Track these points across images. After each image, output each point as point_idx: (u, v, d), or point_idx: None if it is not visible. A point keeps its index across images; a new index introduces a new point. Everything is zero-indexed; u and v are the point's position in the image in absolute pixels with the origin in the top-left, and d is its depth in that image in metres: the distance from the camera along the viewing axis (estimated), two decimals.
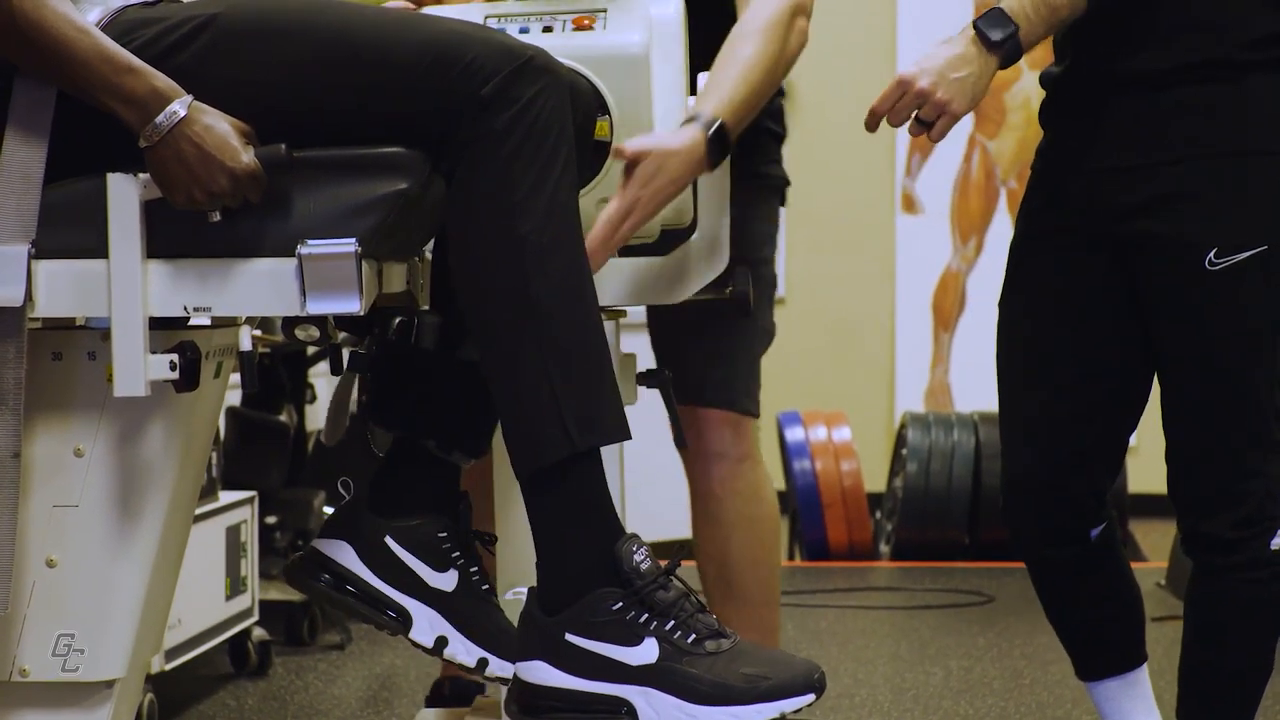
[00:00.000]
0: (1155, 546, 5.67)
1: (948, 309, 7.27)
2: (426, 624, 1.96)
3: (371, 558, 1.95)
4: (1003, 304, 2.51)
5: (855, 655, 4.07)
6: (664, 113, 2.22)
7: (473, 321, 1.88)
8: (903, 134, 7.36)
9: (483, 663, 1.99)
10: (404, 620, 1.97)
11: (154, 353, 1.85)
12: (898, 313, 7.31)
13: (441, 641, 1.99)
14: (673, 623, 1.83)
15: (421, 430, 2.01)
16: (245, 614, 3.67)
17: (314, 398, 4.47)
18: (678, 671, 1.82)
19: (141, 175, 1.83)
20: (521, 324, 1.83)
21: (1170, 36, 2.32)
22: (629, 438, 1.87)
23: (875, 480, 6.20)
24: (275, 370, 4.17)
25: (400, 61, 1.84)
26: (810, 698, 1.82)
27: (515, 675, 1.89)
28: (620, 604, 1.83)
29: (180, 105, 1.80)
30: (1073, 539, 2.49)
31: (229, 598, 3.58)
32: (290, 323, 2.05)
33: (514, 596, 1.96)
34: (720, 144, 2.14)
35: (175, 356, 1.85)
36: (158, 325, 1.87)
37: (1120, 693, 2.54)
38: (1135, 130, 2.35)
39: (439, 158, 1.87)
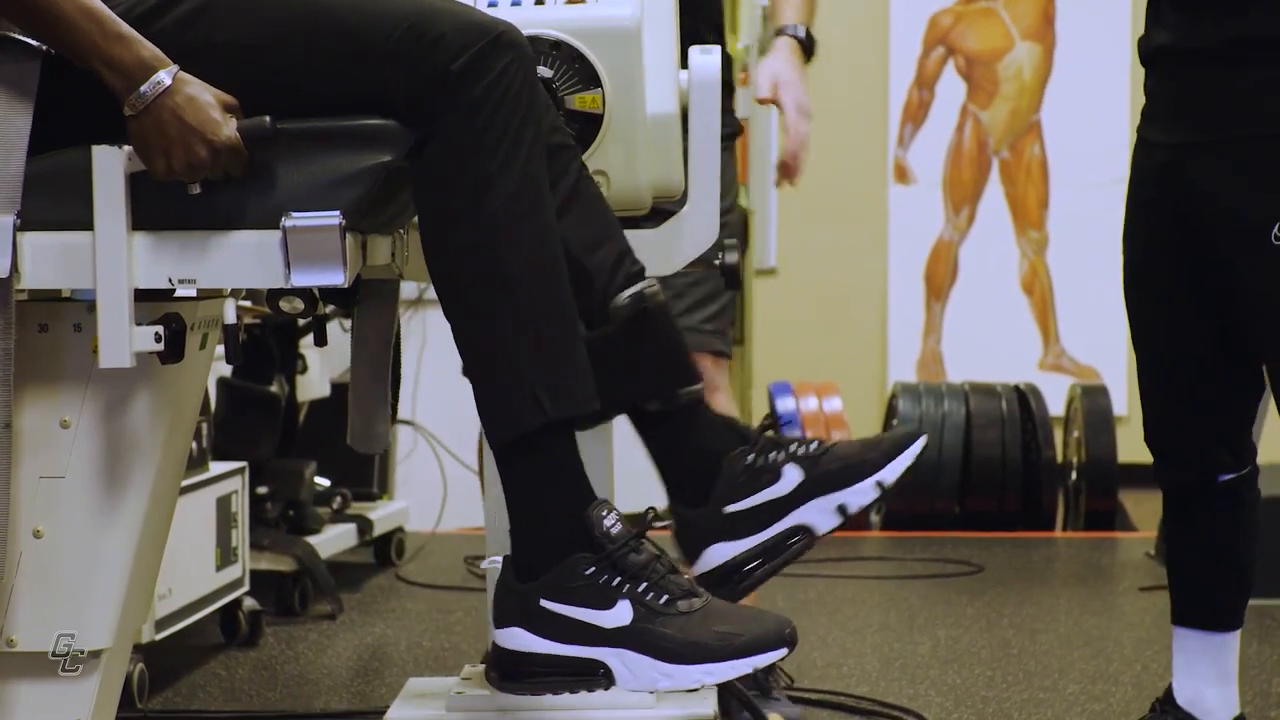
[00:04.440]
0: (1145, 517, 5.69)
1: (940, 279, 7.27)
2: (821, 513, 1.97)
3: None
4: (1124, 239, 2.59)
5: (844, 625, 4.09)
6: (656, 85, 2.22)
7: (443, 293, 1.89)
8: (895, 103, 7.37)
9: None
10: (806, 530, 1.98)
11: (139, 325, 1.85)
12: (890, 283, 7.31)
13: (843, 509, 2.01)
14: (645, 585, 1.86)
15: (640, 398, 2.01)
16: (236, 584, 3.68)
17: (305, 368, 4.47)
18: (651, 632, 1.85)
19: (126, 147, 1.83)
20: (493, 296, 1.85)
21: (1247, 11, 2.36)
22: (598, 408, 1.90)
23: None
24: (266, 340, 4.17)
25: (373, 34, 1.84)
26: (783, 652, 1.86)
27: (493, 642, 1.92)
28: (592, 568, 1.86)
29: (166, 75, 1.80)
30: (1197, 475, 2.55)
31: (219, 568, 3.58)
32: (275, 294, 2.06)
33: (490, 565, 1.97)
34: (810, 45, 3.03)
35: (160, 328, 1.86)
36: (143, 297, 1.87)
37: (1199, 649, 2.58)
38: (1211, 105, 2.40)
39: (413, 125, 1.87)
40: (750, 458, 1.97)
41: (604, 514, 1.88)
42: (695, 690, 2.42)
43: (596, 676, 1.87)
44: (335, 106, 1.86)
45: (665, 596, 1.86)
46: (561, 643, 1.88)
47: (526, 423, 1.85)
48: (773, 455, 1.99)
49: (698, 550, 1.97)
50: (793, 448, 2.00)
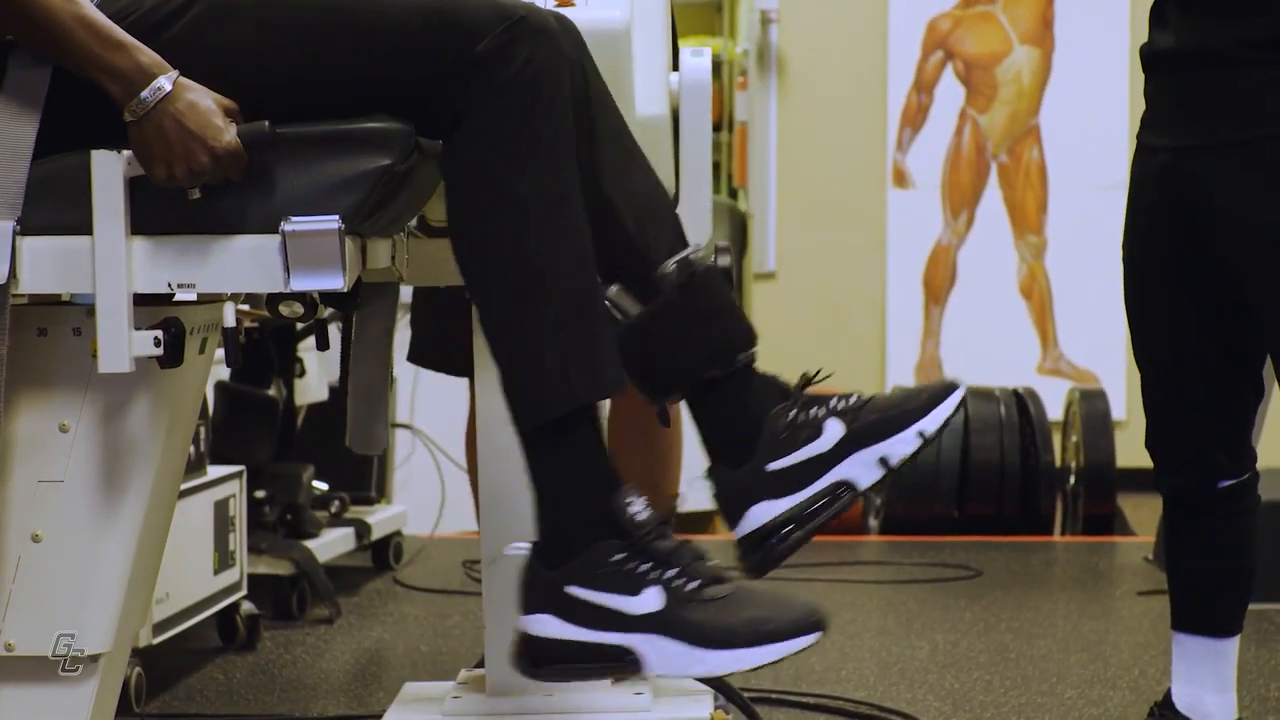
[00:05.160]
0: (1143, 521, 5.69)
1: (939, 283, 7.27)
2: (862, 467, 1.96)
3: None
4: (1124, 243, 2.58)
5: (842, 629, 4.09)
6: (646, 87, 2.22)
7: (471, 278, 1.88)
8: (894, 108, 7.37)
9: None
10: (849, 485, 1.96)
11: (138, 329, 1.85)
12: (888, 287, 7.31)
13: (884, 461, 2.00)
14: (674, 570, 1.85)
15: (702, 369, 1.99)
16: (233, 588, 3.68)
17: (303, 371, 4.46)
18: (681, 619, 1.84)
19: (126, 152, 1.83)
20: (522, 281, 1.84)
21: (1251, 12, 2.37)
22: (623, 392, 1.89)
23: None
24: (264, 344, 4.17)
25: (391, 26, 1.84)
26: (815, 637, 1.85)
27: (519, 630, 1.91)
28: (621, 555, 1.86)
29: (166, 81, 1.80)
30: (1197, 480, 2.55)
31: (217, 572, 3.58)
32: (274, 299, 2.06)
33: (514, 552, 1.97)
34: None
35: (159, 333, 1.86)
36: (142, 302, 1.87)
37: (1198, 654, 2.58)
38: (1213, 107, 2.40)
39: (431, 122, 1.87)
40: (792, 414, 1.96)
41: (630, 501, 1.87)
42: (693, 694, 2.44)
43: (624, 663, 1.86)
44: (355, 104, 1.86)
45: (695, 582, 1.85)
46: (590, 629, 1.86)
47: (556, 407, 1.84)
48: (814, 411, 1.97)
49: (741, 511, 1.95)
50: (833, 403, 1.99)
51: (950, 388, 1.99)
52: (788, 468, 1.95)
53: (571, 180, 1.87)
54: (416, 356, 3.12)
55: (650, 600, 1.85)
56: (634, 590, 1.85)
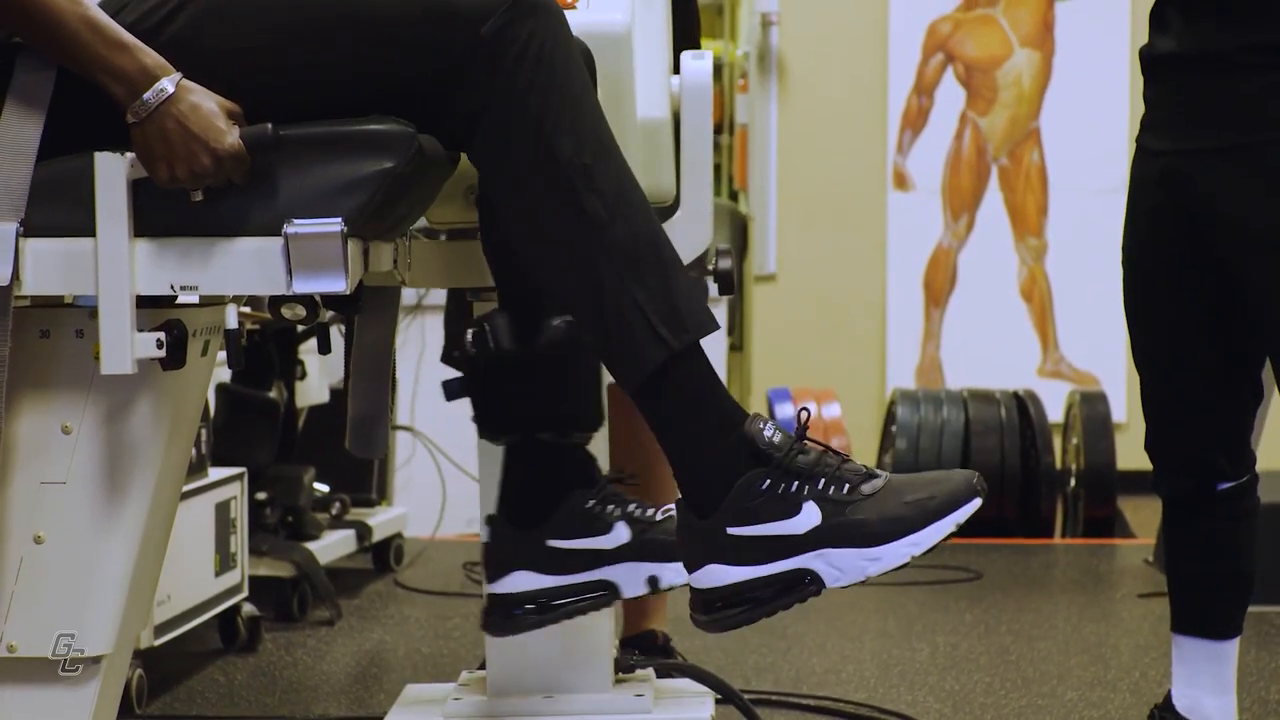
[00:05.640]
0: (1144, 523, 5.69)
1: (939, 286, 7.27)
2: (631, 577, 1.99)
3: (548, 566, 1.97)
4: (1124, 246, 2.58)
5: (843, 631, 4.09)
6: (647, 90, 2.22)
7: (537, 257, 1.88)
8: (895, 110, 7.38)
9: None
10: (611, 588, 2.00)
11: (141, 331, 1.85)
12: (889, 289, 7.31)
13: (653, 581, 2.06)
14: (824, 480, 1.85)
15: (537, 427, 2.06)
16: (235, 590, 3.68)
17: (304, 374, 4.47)
18: (845, 523, 1.83)
19: (129, 154, 1.83)
20: (586, 244, 1.84)
21: (1252, 17, 2.37)
22: (718, 327, 1.88)
23: (865, 457, 6.16)
24: (265, 346, 4.17)
25: (391, 17, 1.84)
26: (977, 502, 1.83)
27: (691, 587, 1.89)
28: (768, 481, 1.84)
29: (169, 83, 1.80)
30: (1197, 482, 2.55)
31: (218, 574, 3.58)
32: (277, 301, 2.06)
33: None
34: None
35: (162, 335, 1.86)
36: (145, 304, 1.87)
37: (1198, 656, 2.58)
38: (1215, 111, 2.41)
39: (444, 117, 1.87)
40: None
41: (762, 426, 1.86)
42: (694, 695, 2.44)
43: (805, 585, 1.85)
44: (354, 104, 1.86)
45: (847, 486, 1.85)
46: (762, 565, 1.85)
47: (652, 360, 1.83)
48: (609, 508, 2.06)
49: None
50: (630, 508, 2.08)
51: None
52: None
53: (607, 136, 1.87)
54: (449, 358, 3.14)
55: (811, 516, 1.84)
56: (792, 512, 1.84)
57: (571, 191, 1.83)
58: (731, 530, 1.84)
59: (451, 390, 2.09)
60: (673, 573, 2.05)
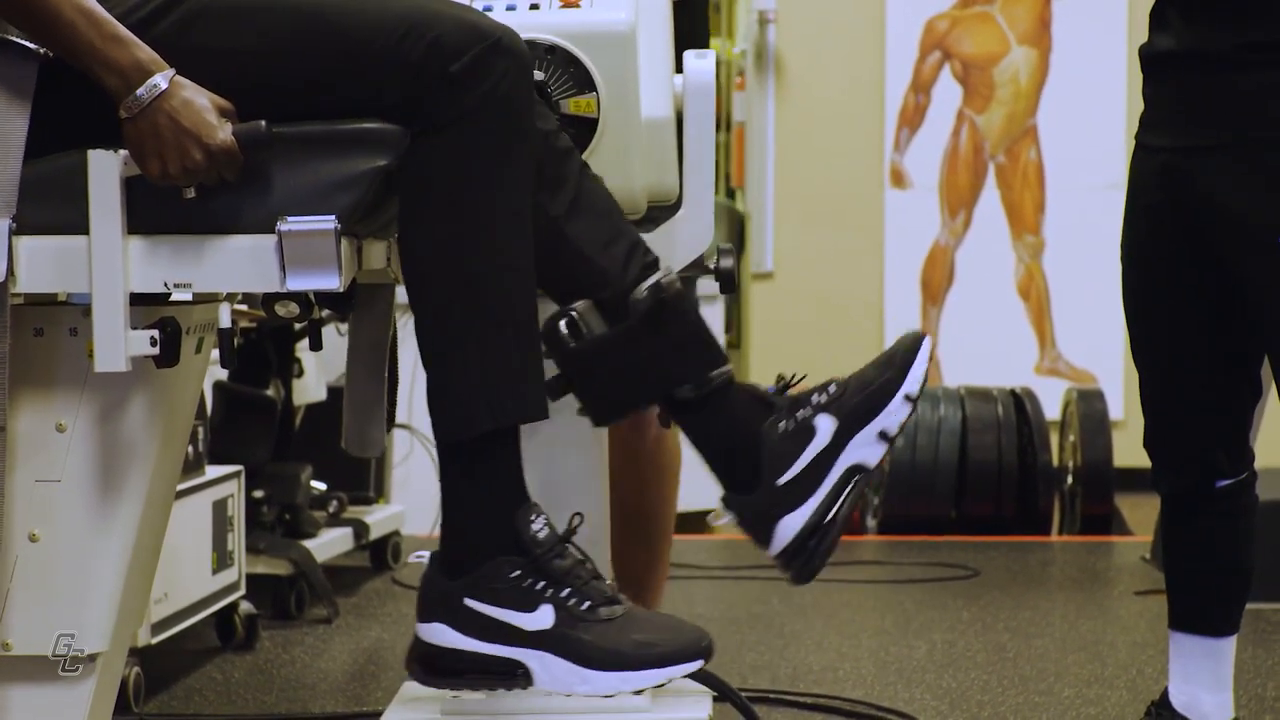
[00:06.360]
0: (1141, 521, 5.69)
1: (936, 283, 7.27)
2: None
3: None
4: (1123, 243, 2.59)
5: (840, 629, 4.09)
6: (650, 89, 2.22)
7: (412, 284, 1.91)
8: (892, 108, 7.37)
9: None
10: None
11: (135, 329, 1.86)
12: (886, 287, 7.31)
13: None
14: (568, 590, 1.90)
15: (672, 386, 2.01)
16: (232, 588, 3.68)
17: (301, 371, 4.47)
18: (571, 637, 1.89)
19: (122, 151, 1.83)
20: (468, 293, 1.87)
21: (1251, 16, 2.37)
22: (546, 417, 1.92)
23: None
24: (262, 344, 4.17)
25: (372, 37, 1.85)
26: (699, 664, 1.91)
27: (416, 635, 1.97)
28: (518, 571, 1.90)
29: (162, 78, 1.81)
30: (1195, 479, 2.55)
31: (215, 572, 3.58)
32: (270, 299, 2.07)
33: (417, 559, 2.00)
34: None
35: (156, 332, 1.86)
36: (139, 301, 1.87)
37: (1196, 653, 2.58)
38: (1214, 109, 2.40)
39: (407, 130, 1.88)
40: (782, 425, 1.98)
41: (532, 518, 1.91)
42: (692, 694, 2.44)
43: (515, 676, 1.92)
44: (333, 110, 1.87)
45: (587, 602, 1.90)
46: (484, 641, 1.91)
47: (476, 425, 1.88)
48: (801, 413, 2.01)
49: (768, 531, 1.98)
50: (815, 399, 2.02)
51: (916, 342, 2.03)
52: (797, 475, 1.98)
53: (524, 206, 1.90)
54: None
55: (544, 618, 1.90)
56: (529, 607, 1.90)
57: (470, 243, 1.86)
58: (469, 601, 1.91)
59: (554, 391, 2.04)
60: (893, 414, 2.01)
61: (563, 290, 2.02)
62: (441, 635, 1.93)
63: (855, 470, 1.99)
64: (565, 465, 2.29)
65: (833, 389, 2.01)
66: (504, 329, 1.88)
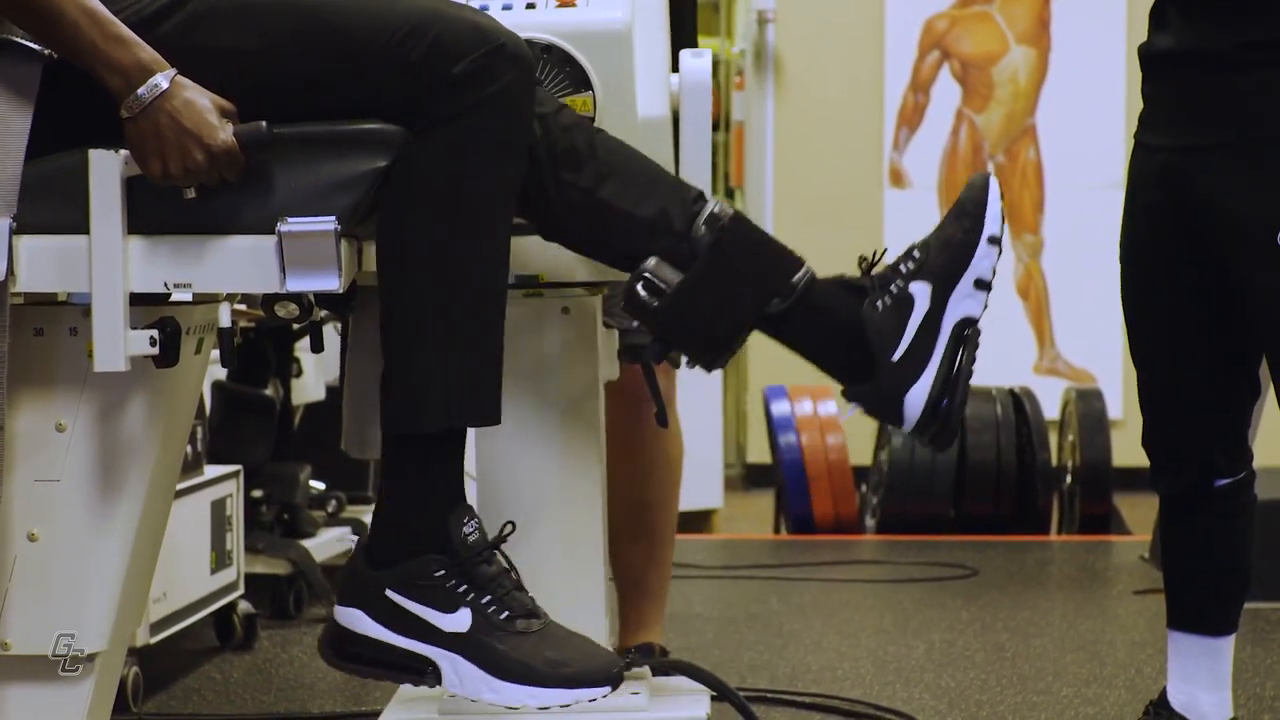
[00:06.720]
0: (1139, 520, 5.70)
1: None
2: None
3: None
4: (1122, 243, 2.59)
5: (839, 628, 4.09)
6: (646, 88, 2.22)
7: (384, 278, 1.90)
8: (891, 107, 7.38)
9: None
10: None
11: (134, 328, 1.86)
12: None
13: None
14: (489, 597, 1.92)
15: (760, 307, 2.03)
16: (231, 587, 3.68)
17: (300, 371, 4.46)
18: (486, 644, 1.91)
19: (123, 151, 1.83)
20: (439, 291, 1.87)
21: (1251, 15, 2.37)
22: (499, 423, 1.95)
23: (861, 454, 6.21)
24: (261, 344, 4.17)
25: (375, 38, 1.85)
26: (607, 690, 1.92)
27: (331, 618, 1.97)
28: (443, 571, 1.92)
29: (163, 79, 1.81)
30: (1194, 479, 2.55)
31: (214, 571, 3.58)
32: (270, 299, 2.06)
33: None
34: None
35: (155, 332, 1.86)
36: (138, 301, 1.88)
37: (1194, 653, 2.58)
38: (1214, 108, 2.41)
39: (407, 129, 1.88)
40: (880, 303, 2.02)
41: (464, 521, 1.92)
42: (690, 693, 2.44)
43: (424, 674, 1.93)
44: (333, 110, 1.87)
45: (506, 612, 1.92)
46: (398, 634, 1.93)
47: (430, 423, 1.89)
48: (894, 287, 2.04)
49: (897, 409, 2.02)
50: (903, 268, 2.05)
51: (984, 184, 2.05)
52: (909, 347, 2.02)
53: (507, 212, 1.91)
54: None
55: (461, 622, 1.91)
56: (448, 608, 1.91)
57: (447, 245, 1.87)
58: (390, 593, 1.93)
59: (654, 353, 2.05)
60: (985, 260, 2.05)
61: (619, 252, 2.02)
62: (358, 621, 1.95)
63: (964, 324, 2.05)
64: (561, 460, 2.29)
65: (916, 254, 2.04)
66: (471, 331, 1.89)
